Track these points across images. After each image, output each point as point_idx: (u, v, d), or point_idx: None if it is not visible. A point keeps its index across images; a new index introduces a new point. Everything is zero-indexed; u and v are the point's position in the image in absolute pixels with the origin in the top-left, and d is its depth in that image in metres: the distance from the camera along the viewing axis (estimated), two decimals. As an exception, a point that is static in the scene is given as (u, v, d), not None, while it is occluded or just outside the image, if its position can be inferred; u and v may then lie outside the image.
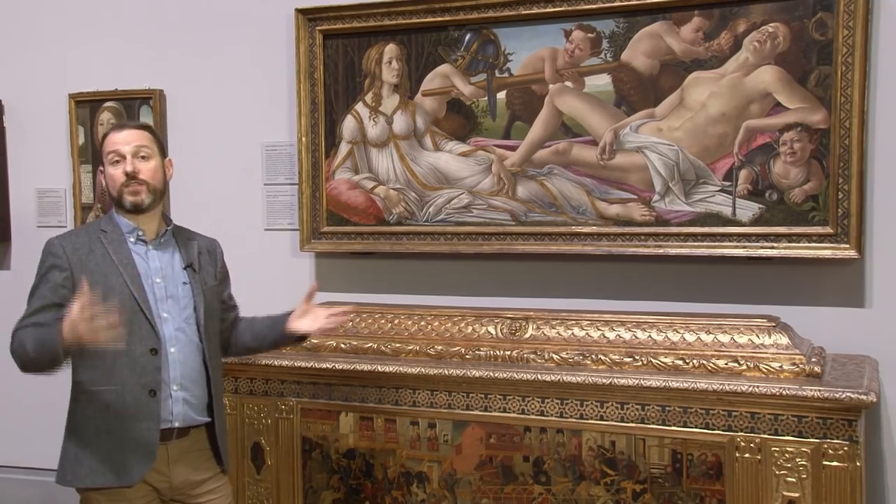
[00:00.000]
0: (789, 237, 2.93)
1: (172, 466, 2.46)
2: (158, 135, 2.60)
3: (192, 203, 3.74)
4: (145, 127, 2.58)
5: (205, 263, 2.61)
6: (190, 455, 2.50)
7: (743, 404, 2.60)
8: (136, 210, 2.47)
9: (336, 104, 3.47)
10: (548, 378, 2.76)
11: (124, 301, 2.38)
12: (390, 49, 3.37)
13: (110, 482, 2.39)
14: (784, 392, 2.53)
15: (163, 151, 2.56)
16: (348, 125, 3.46)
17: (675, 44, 3.02)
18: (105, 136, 2.53)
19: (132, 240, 2.49)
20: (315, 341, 3.13)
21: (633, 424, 2.71)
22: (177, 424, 2.45)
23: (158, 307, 2.45)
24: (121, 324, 2.23)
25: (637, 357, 2.79)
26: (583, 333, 2.92)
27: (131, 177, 2.44)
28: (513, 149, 3.25)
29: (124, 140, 2.46)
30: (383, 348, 3.07)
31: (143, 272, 2.46)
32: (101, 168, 2.55)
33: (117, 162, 2.46)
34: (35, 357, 2.32)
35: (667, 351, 2.79)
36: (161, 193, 2.52)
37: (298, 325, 2.62)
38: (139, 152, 2.47)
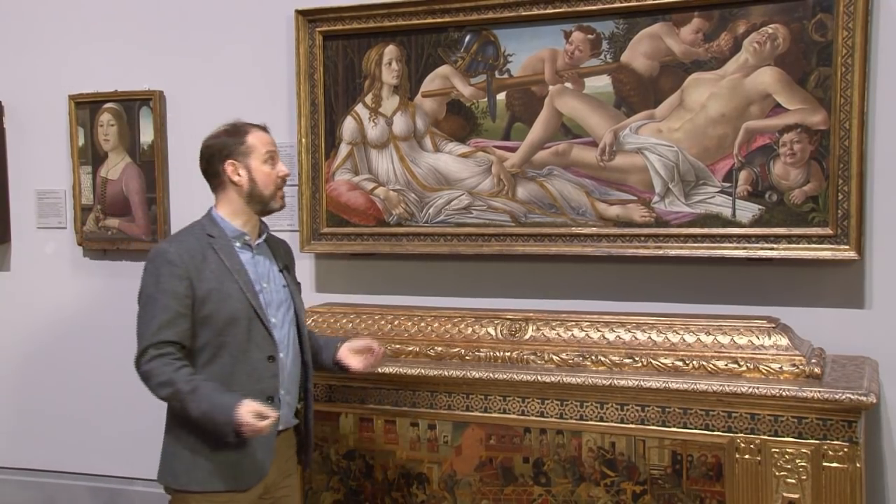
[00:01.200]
0: (789, 238, 2.93)
1: (273, 465, 2.47)
2: None
3: (192, 204, 3.74)
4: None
5: (290, 265, 2.64)
6: (280, 454, 2.53)
7: (743, 405, 2.60)
8: (276, 212, 2.51)
9: (336, 105, 3.47)
10: (548, 379, 2.76)
11: (241, 309, 2.37)
12: (390, 50, 3.37)
13: (230, 486, 2.38)
14: (784, 393, 2.53)
15: None
16: (348, 126, 3.46)
17: (674, 45, 3.02)
18: (247, 131, 2.48)
19: (238, 245, 2.47)
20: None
21: (632, 425, 2.71)
22: (280, 428, 2.46)
23: (269, 313, 2.44)
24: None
25: (637, 358, 2.79)
26: (583, 334, 2.92)
27: (285, 179, 2.49)
28: (513, 150, 3.25)
29: (273, 142, 2.51)
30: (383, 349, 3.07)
31: (253, 278, 2.44)
32: (233, 164, 2.45)
33: (272, 160, 2.47)
34: (197, 419, 2.30)
35: (667, 352, 2.79)
36: None
37: (349, 360, 2.64)
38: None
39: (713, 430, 2.63)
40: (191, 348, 2.38)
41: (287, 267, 2.60)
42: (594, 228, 3.16)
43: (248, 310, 2.38)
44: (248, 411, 2.23)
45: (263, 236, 2.55)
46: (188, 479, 2.40)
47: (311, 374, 2.61)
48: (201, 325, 2.36)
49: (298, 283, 2.66)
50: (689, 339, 2.81)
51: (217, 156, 2.47)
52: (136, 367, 2.37)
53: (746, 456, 2.60)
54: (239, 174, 2.46)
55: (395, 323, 3.15)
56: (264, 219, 2.58)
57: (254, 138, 2.47)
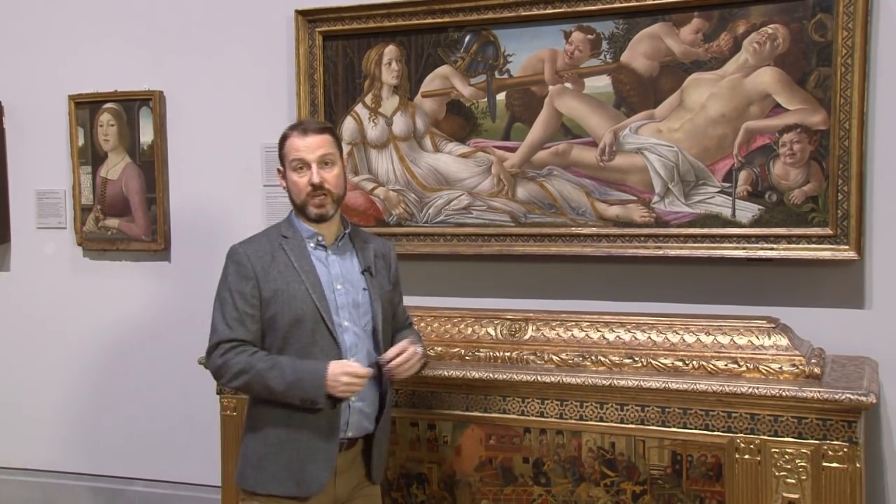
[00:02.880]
0: (789, 238, 2.93)
1: (339, 477, 2.43)
2: (338, 135, 2.51)
3: (192, 204, 3.75)
4: (327, 129, 2.47)
5: (380, 267, 2.55)
6: (355, 466, 2.48)
7: (743, 405, 2.60)
8: (320, 220, 2.43)
9: (336, 105, 3.47)
10: (547, 379, 2.76)
11: (306, 310, 2.35)
12: (390, 50, 3.37)
13: (291, 491, 2.36)
14: (784, 393, 2.53)
15: (342, 152, 2.51)
16: (348, 126, 3.46)
17: (674, 45, 3.02)
18: (285, 137, 2.44)
19: (312, 245, 2.45)
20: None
21: (632, 426, 2.71)
22: (350, 435, 2.42)
23: (339, 315, 2.40)
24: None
25: (637, 358, 2.79)
26: (582, 335, 2.92)
27: (317, 187, 2.39)
28: (512, 150, 3.25)
29: (308, 147, 2.39)
30: (383, 349, 3.07)
31: (325, 279, 2.41)
32: (279, 170, 2.47)
33: (301, 169, 2.40)
34: (284, 393, 2.29)
35: (666, 352, 2.79)
36: (342, 199, 2.49)
37: (394, 372, 2.45)
38: (323, 159, 2.40)
39: (713, 431, 2.63)
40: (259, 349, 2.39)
41: (369, 269, 2.50)
42: (594, 228, 3.16)
43: (313, 311, 2.35)
44: (339, 371, 2.24)
45: (342, 236, 2.49)
46: (255, 482, 2.40)
47: (388, 383, 2.50)
48: (268, 327, 2.37)
49: (392, 287, 2.58)
50: (689, 339, 2.81)
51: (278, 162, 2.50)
52: (206, 363, 2.40)
53: (746, 456, 2.60)
54: (282, 181, 2.48)
55: (395, 323, 3.15)
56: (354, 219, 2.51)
57: (288, 144, 2.43)
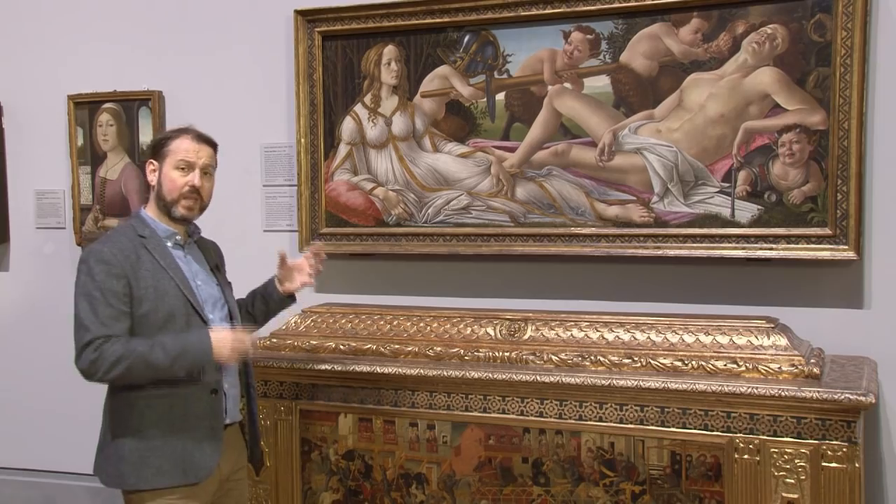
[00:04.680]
0: (788, 238, 2.93)
1: (222, 458, 2.51)
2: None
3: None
4: (216, 145, 2.58)
5: (220, 264, 2.71)
6: (231, 447, 2.57)
7: (742, 405, 2.60)
8: (182, 221, 2.52)
9: (335, 105, 3.47)
10: (547, 379, 2.76)
11: (178, 305, 2.41)
12: (389, 50, 3.37)
13: (177, 481, 2.41)
14: (783, 393, 2.53)
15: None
16: (347, 126, 3.46)
17: (673, 45, 3.02)
18: (174, 136, 2.51)
19: (171, 244, 2.51)
20: (314, 342, 3.13)
21: (632, 426, 2.71)
22: (228, 420, 2.53)
23: (204, 309, 2.48)
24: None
25: (636, 358, 2.79)
26: (582, 335, 2.92)
27: (193, 190, 2.47)
28: (512, 150, 3.25)
29: (198, 153, 2.49)
30: (382, 350, 3.07)
31: (188, 275, 2.49)
32: (152, 163, 2.51)
33: (183, 170, 2.47)
34: (170, 367, 2.34)
35: (666, 352, 2.79)
36: (204, 210, 2.57)
37: (290, 285, 2.76)
38: (206, 169, 2.51)
39: (712, 431, 2.63)
40: None
41: (217, 266, 2.65)
42: (593, 229, 3.16)
43: (185, 306, 2.42)
44: (224, 334, 2.38)
45: (194, 237, 2.61)
46: (137, 480, 2.41)
47: (252, 370, 2.67)
48: (140, 325, 2.39)
49: (229, 283, 2.70)
50: (688, 339, 2.81)
51: (147, 153, 2.57)
52: (76, 361, 2.38)
53: (745, 456, 2.60)
54: (154, 175, 2.51)
55: (395, 323, 3.15)
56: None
57: (178, 143, 2.49)
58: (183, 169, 2.47)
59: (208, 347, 2.36)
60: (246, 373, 2.64)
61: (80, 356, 2.38)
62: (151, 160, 2.52)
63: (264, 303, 2.79)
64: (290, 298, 2.80)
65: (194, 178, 2.47)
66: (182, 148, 2.48)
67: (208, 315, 2.48)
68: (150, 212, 2.53)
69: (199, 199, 2.50)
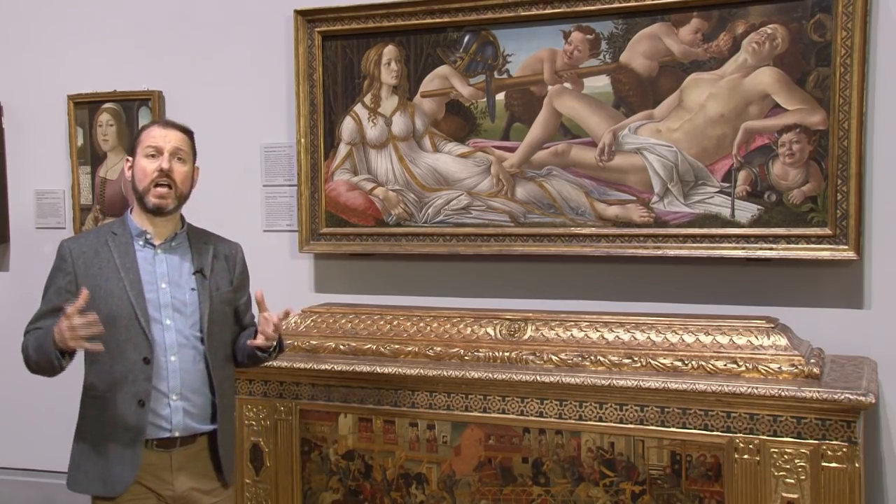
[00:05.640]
0: (788, 238, 2.93)
1: (176, 475, 2.41)
2: (195, 145, 2.53)
3: (191, 204, 3.73)
4: (187, 131, 2.49)
5: (219, 269, 2.53)
6: (196, 464, 2.45)
7: (742, 405, 2.60)
8: (157, 212, 2.42)
9: (335, 105, 3.47)
10: (547, 379, 2.76)
11: (121, 307, 2.35)
12: (389, 50, 3.37)
13: (98, 491, 2.38)
14: (783, 393, 2.53)
15: (195, 159, 2.53)
16: (347, 126, 3.46)
17: (673, 45, 3.02)
18: (144, 128, 2.48)
19: (140, 243, 2.44)
20: (314, 342, 3.14)
21: (632, 426, 2.71)
22: (177, 434, 2.39)
23: (162, 314, 2.39)
24: (98, 328, 2.19)
25: (636, 358, 2.79)
26: (582, 335, 2.92)
27: (164, 174, 2.39)
28: (512, 150, 3.25)
29: (165, 137, 2.41)
30: (382, 349, 3.07)
31: (148, 277, 2.40)
32: (128, 159, 2.46)
33: (153, 156, 2.40)
34: (36, 359, 2.34)
35: (666, 352, 2.79)
36: (184, 199, 2.48)
37: (254, 342, 2.47)
38: (177, 153, 2.42)
39: (712, 431, 2.63)
40: None
41: (202, 270, 2.47)
42: (593, 229, 3.16)
43: (128, 309, 2.35)
44: (61, 322, 2.18)
45: (175, 236, 2.47)
46: (73, 482, 2.44)
47: (223, 381, 2.47)
48: None
49: (241, 288, 2.57)
50: (688, 339, 2.81)
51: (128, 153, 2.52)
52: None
53: (745, 456, 2.60)
54: (129, 171, 2.46)
55: (395, 323, 3.15)
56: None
57: (145, 134, 2.44)
58: (152, 156, 2.39)
59: (51, 332, 2.21)
60: (211, 382, 2.43)
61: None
62: (128, 157, 2.48)
63: (245, 344, 2.54)
64: (259, 352, 2.51)
65: (162, 161, 2.38)
66: (150, 136, 2.41)
67: (164, 320, 2.37)
68: (133, 212, 2.48)
69: (172, 186, 2.39)
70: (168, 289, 2.42)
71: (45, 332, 2.29)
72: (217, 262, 2.54)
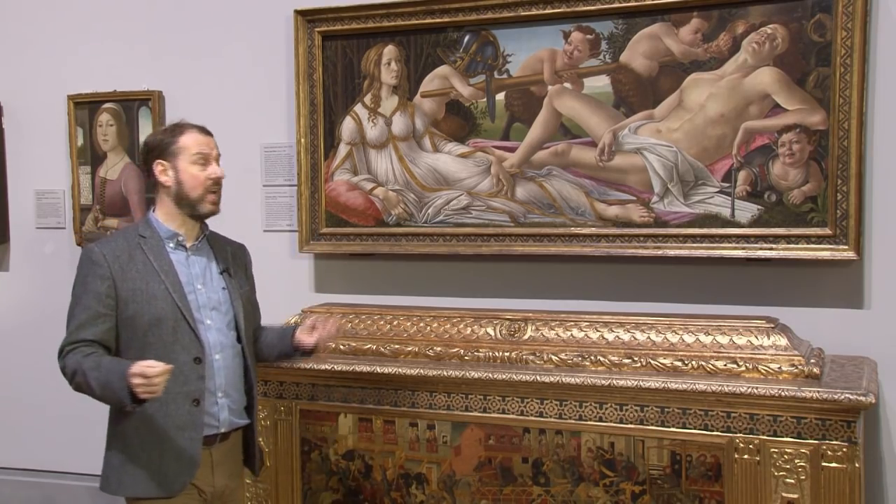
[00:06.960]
0: (788, 238, 2.93)
1: (216, 469, 2.47)
2: None
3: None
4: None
5: (236, 268, 2.60)
6: (230, 458, 2.53)
7: (742, 405, 2.60)
8: (210, 216, 2.48)
9: (335, 105, 3.47)
10: (547, 379, 2.76)
11: (166, 310, 2.36)
12: (389, 50, 3.37)
13: (153, 493, 2.38)
14: (783, 393, 2.53)
15: None
16: (347, 126, 3.46)
17: (673, 45, 3.02)
18: (176, 133, 2.45)
19: (171, 245, 2.46)
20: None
21: (632, 426, 2.71)
22: (223, 430, 2.46)
23: (202, 314, 2.43)
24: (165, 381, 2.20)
25: (636, 358, 2.79)
26: (582, 335, 2.92)
27: (217, 182, 2.45)
28: (512, 150, 3.25)
29: (209, 144, 2.46)
30: (382, 349, 3.07)
31: (185, 279, 2.43)
32: (161, 164, 2.43)
33: (202, 164, 2.43)
34: (100, 394, 2.28)
35: (666, 352, 2.79)
36: None
37: (304, 338, 2.59)
38: (218, 160, 2.49)
39: (712, 431, 2.63)
40: (116, 348, 2.38)
41: (228, 269, 2.54)
42: (593, 229, 3.16)
43: (174, 310, 2.37)
44: (136, 371, 2.16)
45: (202, 238, 2.52)
46: (118, 486, 2.42)
47: (255, 377, 2.57)
48: (125, 326, 2.37)
49: (247, 287, 2.62)
50: (688, 339, 2.81)
51: (150, 155, 2.47)
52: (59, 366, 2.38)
53: (745, 456, 2.60)
54: (167, 175, 2.45)
55: (395, 323, 3.15)
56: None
57: (187, 139, 2.44)
58: (201, 163, 2.43)
59: (125, 382, 2.18)
60: (247, 379, 2.53)
61: (59, 361, 2.38)
62: (160, 161, 2.44)
63: (280, 339, 2.65)
64: (300, 352, 2.64)
65: (216, 169, 2.45)
66: (195, 142, 2.43)
67: (205, 320, 2.43)
68: (158, 213, 2.48)
69: (220, 191, 2.47)
70: (203, 289, 2.46)
71: (115, 376, 2.21)
72: (235, 262, 2.60)
